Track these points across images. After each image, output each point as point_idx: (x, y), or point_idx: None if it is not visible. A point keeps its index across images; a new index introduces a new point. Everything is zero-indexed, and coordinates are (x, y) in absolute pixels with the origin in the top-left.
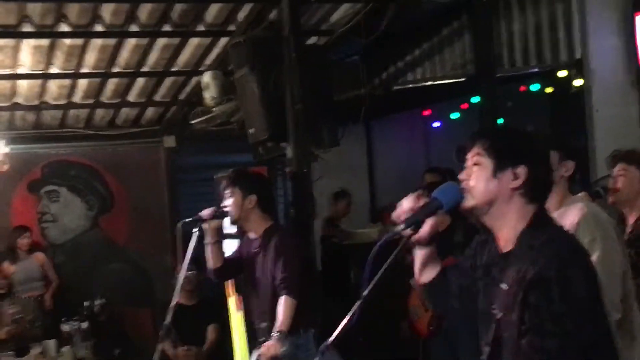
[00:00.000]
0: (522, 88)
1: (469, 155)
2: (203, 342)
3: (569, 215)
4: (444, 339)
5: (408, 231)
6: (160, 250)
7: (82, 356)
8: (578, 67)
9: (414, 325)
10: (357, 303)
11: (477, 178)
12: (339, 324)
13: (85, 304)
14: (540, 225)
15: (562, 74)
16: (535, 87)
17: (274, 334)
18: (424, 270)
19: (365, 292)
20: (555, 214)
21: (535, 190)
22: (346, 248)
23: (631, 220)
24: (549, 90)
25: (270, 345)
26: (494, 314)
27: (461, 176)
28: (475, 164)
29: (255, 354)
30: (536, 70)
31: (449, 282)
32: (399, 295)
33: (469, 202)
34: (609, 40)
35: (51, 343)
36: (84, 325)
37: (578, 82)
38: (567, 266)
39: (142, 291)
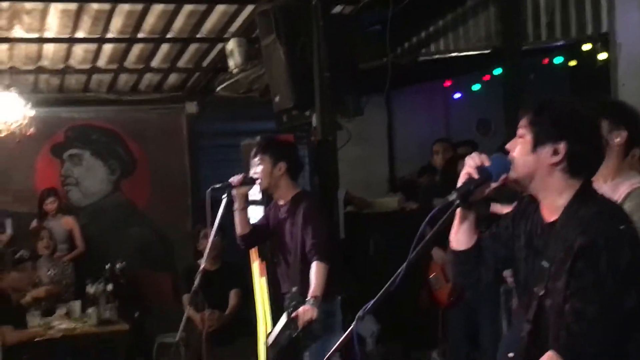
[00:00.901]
0: (545, 61)
1: (518, 127)
2: (225, 307)
3: (621, 188)
4: (462, 310)
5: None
6: (180, 215)
7: (106, 317)
8: (603, 41)
9: (434, 295)
10: (402, 267)
11: (519, 151)
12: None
13: (107, 266)
14: (587, 197)
15: (586, 47)
16: (558, 59)
17: (309, 299)
18: (462, 236)
19: (411, 256)
20: (608, 185)
21: (578, 166)
22: (365, 217)
23: None
24: (572, 63)
25: (307, 310)
26: (536, 291)
27: (508, 146)
28: (520, 137)
29: (284, 317)
30: (561, 43)
31: (483, 253)
32: (419, 265)
33: (512, 174)
34: (636, 14)
35: (76, 304)
36: (109, 287)
37: (602, 56)
38: (616, 237)
39: (161, 255)
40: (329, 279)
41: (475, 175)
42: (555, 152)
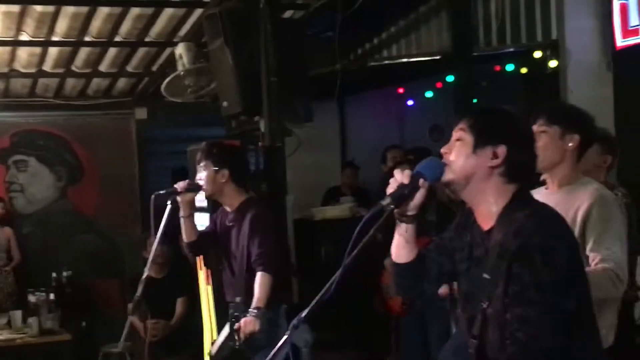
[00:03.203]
0: (497, 68)
1: (454, 131)
2: (172, 315)
3: (579, 195)
4: (415, 319)
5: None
6: (129, 222)
7: (48, 327)
8: (554, 48)
9: (388, 302)
10: (337, 274)
11: (458, 153)
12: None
13: (53, 275)
14: (522, 203)
15: (537, 54)
16: (510, 67)
17: (252, 311)
18: (402, 250)
19: (346, 261)
20: (564, 190)
21: (515, 171)
22: (317, 224)
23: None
24: (523, 70)
25: (249, 322)
26: (479, 305)
27: (443, 149)
28: (457, 139)
29: (227, 328)
30: (512, 50)
31: (427, 266)
32: (371, 273)
33: (447, 175)
34: (585, 21)
35: (18, 313)
36: (51, 296)
37: (553, 63)
38: (550, 236)
39: (111, 263)
40: (274, 288)
41: (406, 181)
42: (495, 156)
